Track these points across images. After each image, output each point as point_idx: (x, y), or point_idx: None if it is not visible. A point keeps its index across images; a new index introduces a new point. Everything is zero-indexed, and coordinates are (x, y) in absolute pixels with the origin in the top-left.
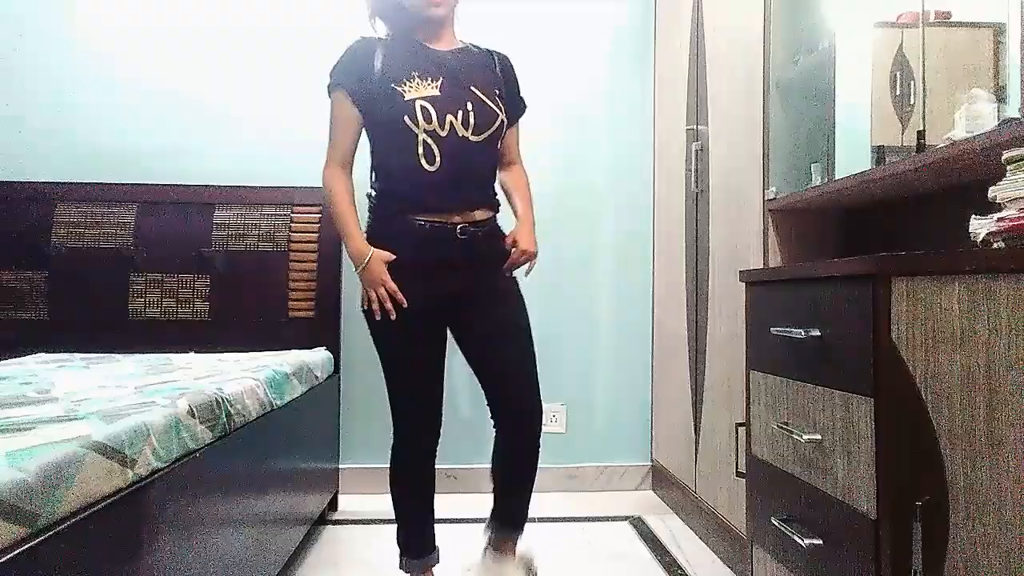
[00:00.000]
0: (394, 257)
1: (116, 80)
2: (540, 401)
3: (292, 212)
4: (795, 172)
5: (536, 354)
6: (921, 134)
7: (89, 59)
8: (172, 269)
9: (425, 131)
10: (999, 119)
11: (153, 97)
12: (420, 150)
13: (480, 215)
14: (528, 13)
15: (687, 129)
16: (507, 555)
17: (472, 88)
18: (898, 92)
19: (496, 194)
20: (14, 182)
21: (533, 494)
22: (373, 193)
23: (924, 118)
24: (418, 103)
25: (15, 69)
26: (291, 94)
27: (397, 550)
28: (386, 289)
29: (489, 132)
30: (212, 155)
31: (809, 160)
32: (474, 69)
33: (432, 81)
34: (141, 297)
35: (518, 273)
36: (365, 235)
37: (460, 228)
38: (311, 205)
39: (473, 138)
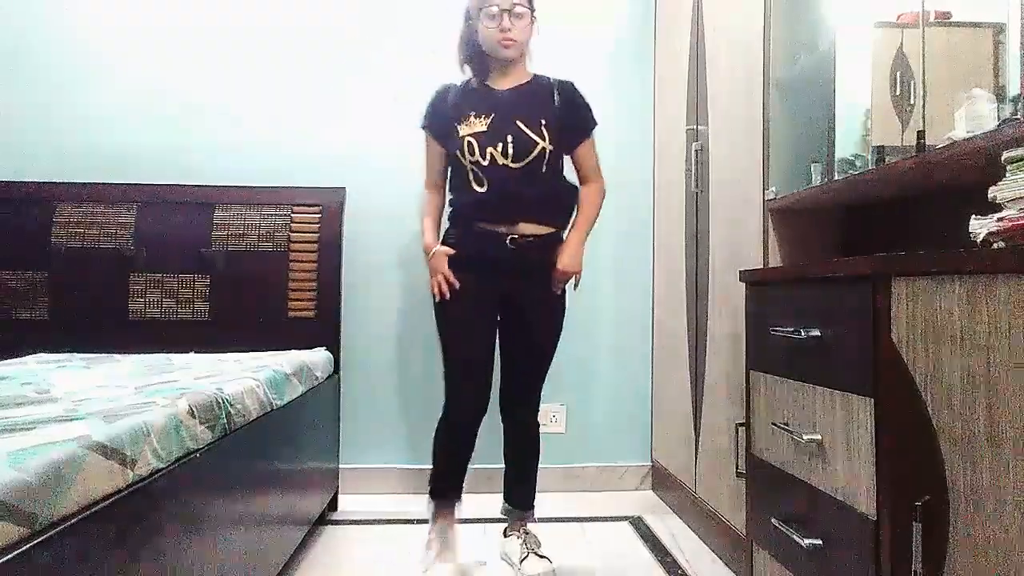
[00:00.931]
0: (454, 252)
1: (116, 80)
2: (538, 399)
3: (292, 212)
4: (795, 172)
5: (552, 356)
6: (921, 134)
7: (89, 59)
8: (172, 269)
9: (471, 161)
10: (999, 119)
11: (153, 97)
12: (470, 176)
13: (527, 229)
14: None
15: (687, 129)
16: (514, 532)
17: (516, 122)
18: (898, 92)
19: (555, 211)
20: (14, 182)
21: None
22: (449, 208)
23: (924, 118)
24: (466, 139)
25: (15, 69)
26: (291, 94)
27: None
28: (444, 276)
29: (529, 159)
30: (212, 155)
31: (809, 160)
32: (525, 103)
33: (484, 119)
34: (141, 297)
35: (568, 287)
36: (441, 237)
37: (510, 238)
38: (311, 205)
39: (513, 165)
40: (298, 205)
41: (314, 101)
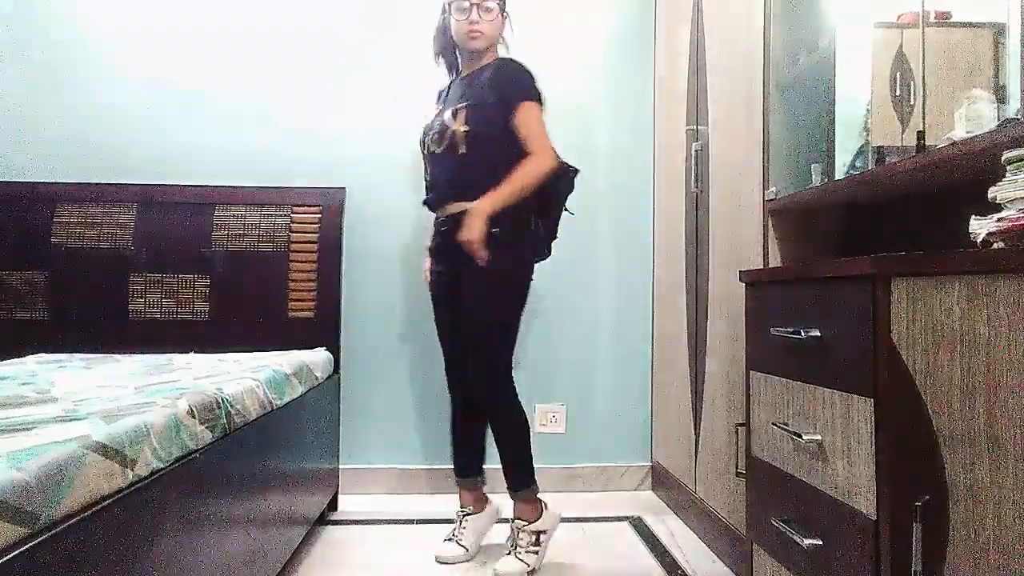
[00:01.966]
0: (430, 245)
1: (116, 80)
2: (490, 382)
3: (292, 212)
4: (795, 172)
5: (504, 339)
6: (921, 134)
7: (89, 59)
8: (172, 269)
9: (423, 152)
10: (999, 119)
11: (153, 97)
12: (423, 167)
13: (453, 208)
14: (528, 13)
15: (687, 129)
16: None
17: (448, 108)
18: (898, 92)
19: (474, 187)
20: (14, 182)
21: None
22: None
23: (924, 118)
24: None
25: (15, 69)
26: (291, 94)
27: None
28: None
29: (445, 144)
30: (212, 155)
31: (809, 160)
32: (464, 90)
33: (435, 111)
34: (141, 297)
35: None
36: None
37: (441, 220)
38: (311, 205)
39: (437, 151)
40: (298, 205)
41: (314, 101)
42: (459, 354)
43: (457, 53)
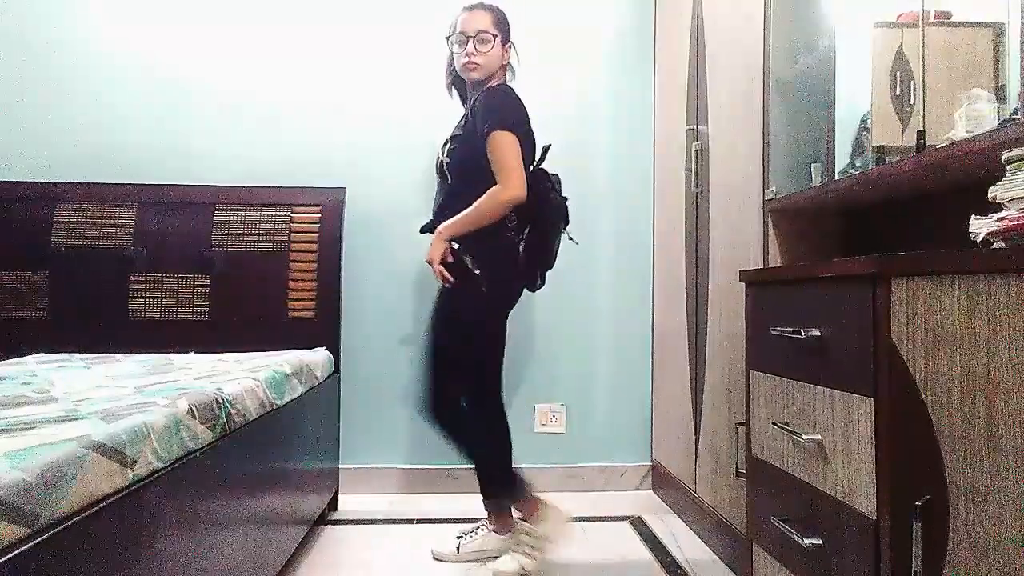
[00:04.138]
0: None
1: (116, 80)
2: (436, 393)
3: (292, 212)
4: (795, 172)
5: (446, 346)
6: (921, 134)
7: (89, 59)
8: (172, 269)
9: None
10: (999, 119)
11: (153, 97)
12: None
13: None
14: (528, 13)
15: (687, 129)
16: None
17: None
18: (898, 92)
19: (448, 215)
20: (14, 182)
21: (534, 493)
22: None
23: (924, 118)
24: None
25: (15, 69)
26: (292, 94)
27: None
28: None
29: (438, 172)
30: (212, 155)
31: (809, 160)
32: (462, 120)
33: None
34: (141, 297)
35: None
36: None
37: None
38: (311, 205)
39: (438, 178)
40: (298, 205)
41: (314, 101)
42: (429, 369)
43: (465, 84)
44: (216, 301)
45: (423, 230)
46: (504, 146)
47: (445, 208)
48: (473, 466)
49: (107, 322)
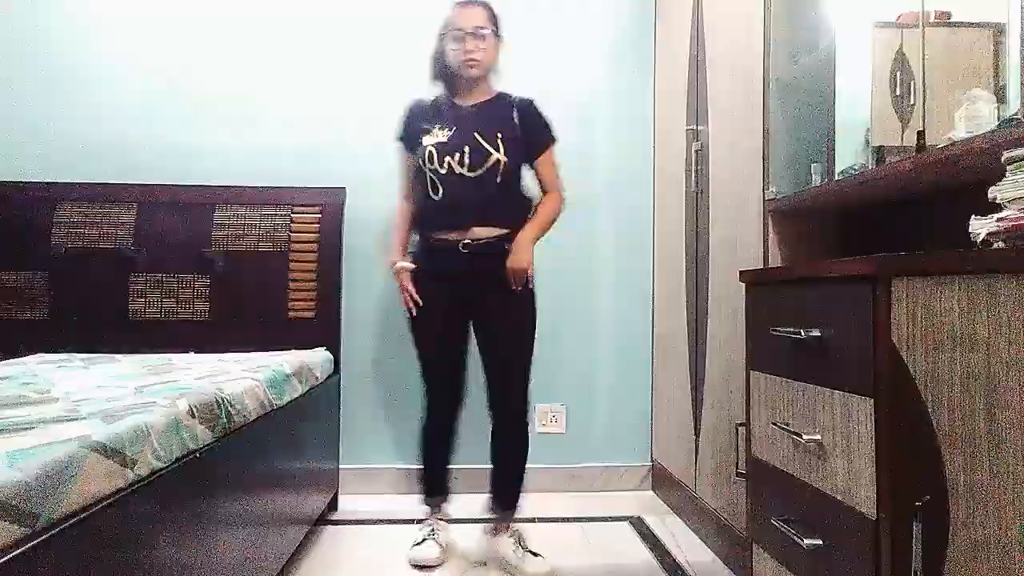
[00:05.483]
0: (413, 267)
1: (116, 80)
2: (526, 397)
3: (292, 212)
4: (795, 172)
5: (532, 356)
6: (921, 134)
7: (89, 59)
8: (172, 269)
9: (429, 169)
10: (999, 119)
11: (153, 97)
12: (429, 184)
13: (481, 232)
14: (528, 13)
15: (687, 129)
16: (501, 533)
17: (475, 134)
18: (898, 92)
19: (508, 213)
20: (14, 182)
21: (534, 493)
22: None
23: (924, 118)
24: (428, 148)
25: (15, 69)
26: (292, 94)
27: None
28: (407, 291)
29: (483, 169)
30: (212, 155)
31: (809, 160)
32: (485, 118)
33: (446, 130)
34: (141, 297)
35: (539, 283)
36: (412, 250)
37: (462, 244)
38: (311, 205)
39: (468, 174)
40: (298, 205)
41: (315, 101)
42: (455, 373)
43: (455, 79)
44: (216, 301)
45: (443, 226)
46: (554, 159)
47: (490, 206)
48: (520, 474)
49: (107, 322)
